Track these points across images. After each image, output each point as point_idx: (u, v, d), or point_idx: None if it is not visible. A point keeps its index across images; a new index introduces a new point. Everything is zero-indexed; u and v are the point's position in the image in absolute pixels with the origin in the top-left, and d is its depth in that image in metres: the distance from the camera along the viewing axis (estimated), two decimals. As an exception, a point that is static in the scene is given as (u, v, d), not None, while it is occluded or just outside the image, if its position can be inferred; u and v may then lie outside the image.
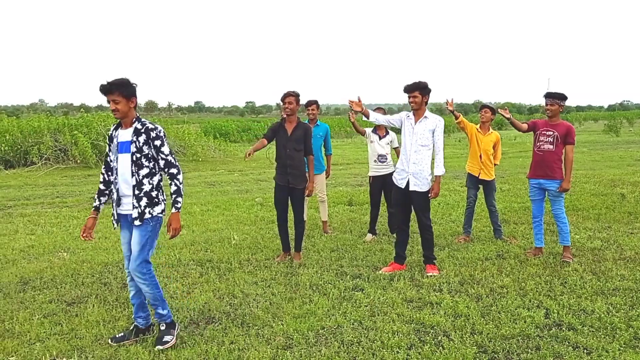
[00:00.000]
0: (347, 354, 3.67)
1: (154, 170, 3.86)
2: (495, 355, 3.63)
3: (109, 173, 3.98)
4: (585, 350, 3.66)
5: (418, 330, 4.03)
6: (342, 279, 5.26)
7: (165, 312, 3.94)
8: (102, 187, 3.99)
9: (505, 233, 6.92)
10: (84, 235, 3.93)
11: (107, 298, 4.84)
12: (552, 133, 5.70)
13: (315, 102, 7.01)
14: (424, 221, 5.50)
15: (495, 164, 6.77)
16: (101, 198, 4.01)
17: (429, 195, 5.40)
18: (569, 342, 3.78)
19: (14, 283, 5.30)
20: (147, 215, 3.81)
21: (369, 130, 7.01)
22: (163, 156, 3.82)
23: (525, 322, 4.11)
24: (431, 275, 5.29)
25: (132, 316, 4.08)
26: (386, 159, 6.82)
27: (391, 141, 6.87)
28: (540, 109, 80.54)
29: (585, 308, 4.39)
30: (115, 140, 3.87)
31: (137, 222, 3.79)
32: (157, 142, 3.80)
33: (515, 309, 4.38)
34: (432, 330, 4.01)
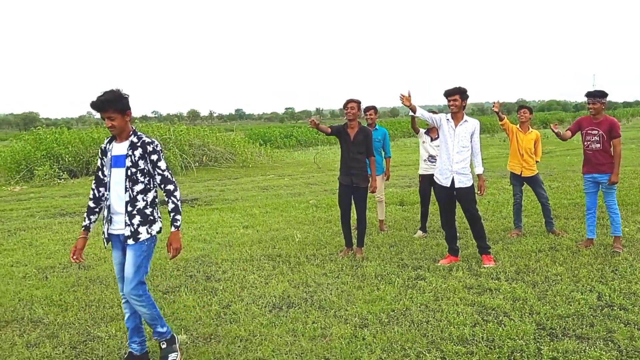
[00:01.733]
0: (418, 330, 4.15)
1: (149, 187, 3.69)
2: (553, 331, 4.04)
3: (100, 189, 3.77)
4: (636, 326, 4.03)
5: (480, 312, 4.47)
6: (404, 270, 5.72)
7: (164, 329, 3.82)
8: (91, 204, 3.77)
9: (557, 227, 7.24)
10: (74, 257, 3.71)
11: (196, 287, 5.45)
12: (596, 132, 6.03)
13: (374, 107, 7.50)
14: (473, 212, 5.86)
15: (536, 161, 7.12)
16: (91, 217, 3.78)
17: (479, 192, 5.82)
18: (620, 320, 4.16)
19: (110, 277, 5.97)
20: (144, 235, 3.64)
21: (422, 130, 7.43)
22: (159, 171, 3.64)
23: (579, 303, 4.50)
24: (488, 267, 5.67)
25: (127, 342, 3.94)
26: (436, 160, 7.23)
27: None
28: (586, 106, 78.84)
29: (635, 291, 4.74)
30: (109, 154, 3.69)
31: (130, 241, 3.62)
32: (154, 157, 3.63)
33: (570, 293, 4.76)
34: (493, 312, 4.45)
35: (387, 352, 3.81)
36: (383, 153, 7.65)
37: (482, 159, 6.04)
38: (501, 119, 6.88)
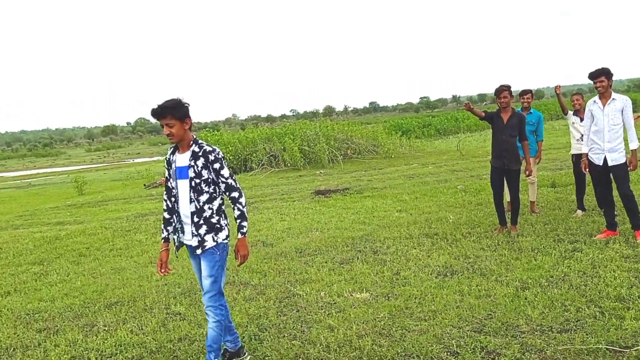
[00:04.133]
0: (576, 292, 4.58)
1: (214, 195, 3.67)
2: None
3: (171, 199, 3.78)
4: None
5: (637, 276, 4.77)
6: (560, 244, 6.06)
7: None
8: (166, 215, 3.82)
9: None
10: (162, 271, 3.79)
11: (367, 259, 6.29)
12: None
13: (530, 92, 7.82)
14: (625, 191, 6.00)
15: None
16: (168, 228, 3.82)
17: (629, 168, 5.94)
18: None
19: (292, 252, 7.03)
20: (211, 243, 3.64)
21: (570, 112, 7.62)
22: (223, 179, 3.64)
23: None
24: (641, 241, 5.81)
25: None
26: None
27: None
28: None
29: None
30: (173, 165, 3.71)
31: (198, 251, 3.66)
32: (217, 165, 3.62)
33: None
34: (650, 277, 4.73)
35: (548, 308, 4.31)
36: (535, 136, 7.91)
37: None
38: None
